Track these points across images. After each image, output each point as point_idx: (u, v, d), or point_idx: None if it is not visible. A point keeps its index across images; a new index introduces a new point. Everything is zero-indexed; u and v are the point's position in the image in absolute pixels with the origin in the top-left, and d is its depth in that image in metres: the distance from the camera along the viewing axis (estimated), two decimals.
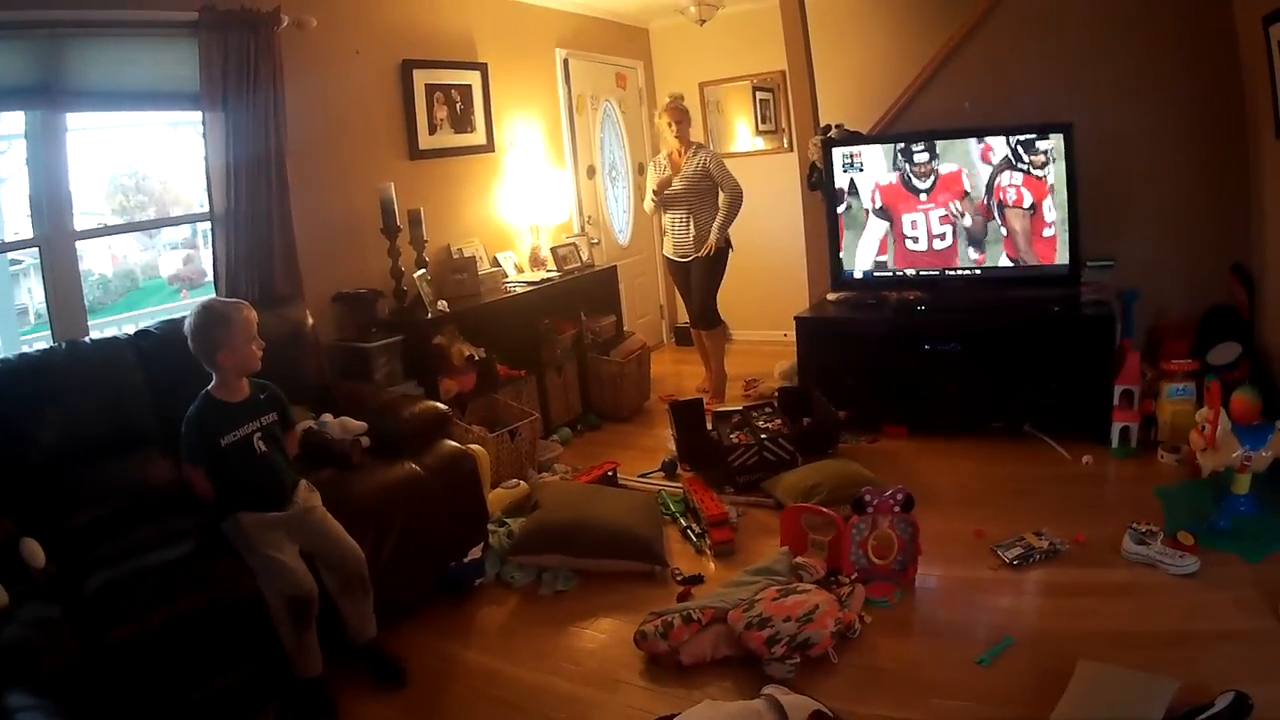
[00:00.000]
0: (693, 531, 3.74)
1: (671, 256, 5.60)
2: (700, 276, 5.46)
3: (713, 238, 5.29)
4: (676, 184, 5.36)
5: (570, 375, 5.43)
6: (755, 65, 6.80)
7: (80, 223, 3.60)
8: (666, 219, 5.53)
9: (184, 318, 2.75)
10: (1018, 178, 4.49)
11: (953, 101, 5.07)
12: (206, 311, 2.70)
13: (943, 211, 4.69)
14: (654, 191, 5.47)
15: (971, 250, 4.68)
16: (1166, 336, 4.51)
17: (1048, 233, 4.49)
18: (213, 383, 2.73)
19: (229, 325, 2.67)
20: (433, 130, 4.94)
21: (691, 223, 5.38)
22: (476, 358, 4.48)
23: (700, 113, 7.10)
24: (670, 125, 5.35)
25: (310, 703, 2.70)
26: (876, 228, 4.88)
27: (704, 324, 5.60)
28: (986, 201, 4.58)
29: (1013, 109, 4.69)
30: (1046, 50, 4.86)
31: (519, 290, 4.99)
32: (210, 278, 3.86)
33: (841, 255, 5.01)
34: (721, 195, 5.29)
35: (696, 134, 6.66)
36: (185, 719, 2.43)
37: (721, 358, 5.75)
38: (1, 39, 3.07)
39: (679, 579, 3.35)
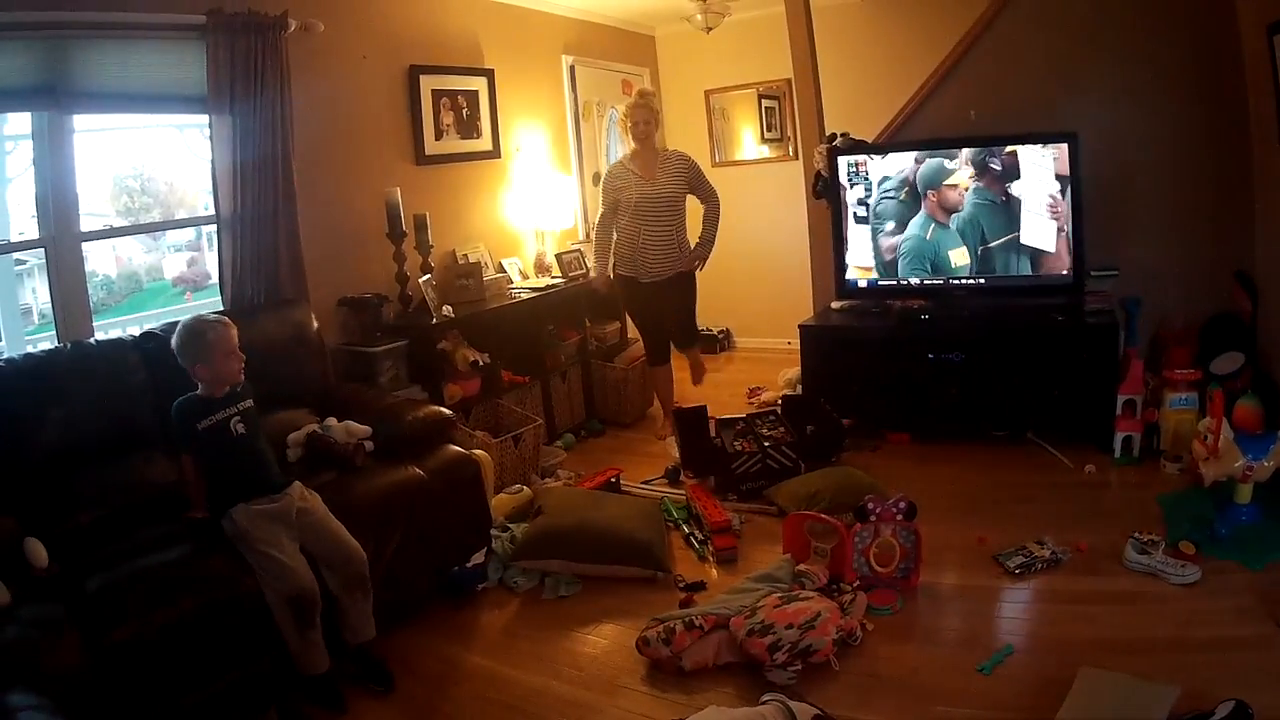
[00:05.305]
0: (695, 538, 3.74)
1: (644, 279, 4.85)
2: (682, 294, 4.99)
3: (707, 250, 4.91)
4: (655, 196, 4.71)
5: (574, 381, 5.44)
6: (761, 73, 6.82)
7: (85, 224, 3.62)
8: (639, 237, 4.75)
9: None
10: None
11: (958, 110, 5.07)
12: (184, 330, 2.87)
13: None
14: (636, 205, 4.71)
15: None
16: (1169, 344, 4.50)
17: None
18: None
19: (204, 342, 2.84)
20: (439, 135, 4.96)
21: (676, 237, 4.80)
22: (481, 363, 4.49)
23: (706, 120, 7.13)
24: (637, 125, 4.70)
25: (320, 697, 2.73)
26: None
27: (696, 340, 5.41)
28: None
29: (1017, 118, 4.69)
30: (1051, 59, 4.85)
31: (524, 296, 5.00)
32: (215, 280, 3.87)
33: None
34: (706, 206, 4.87)
35: (703, 142, 6.68)
36: (187, 719, 2.43)
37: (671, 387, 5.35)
38: (9, 40, 3.10)
39: (681, 585, 3.35)
